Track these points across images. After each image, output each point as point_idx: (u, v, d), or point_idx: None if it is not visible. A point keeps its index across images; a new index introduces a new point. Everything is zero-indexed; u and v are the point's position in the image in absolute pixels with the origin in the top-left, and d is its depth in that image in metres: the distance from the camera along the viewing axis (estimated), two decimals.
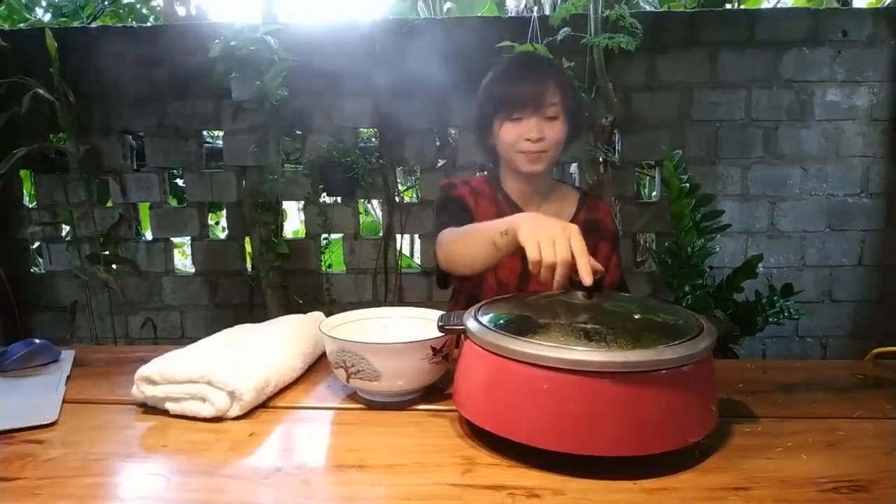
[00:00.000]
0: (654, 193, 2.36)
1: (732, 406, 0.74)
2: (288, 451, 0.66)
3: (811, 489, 0.56)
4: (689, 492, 0.55)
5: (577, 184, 2.15)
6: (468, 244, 0.93)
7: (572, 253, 0.70)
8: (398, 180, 2.33)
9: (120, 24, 2.55)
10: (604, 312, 0.72)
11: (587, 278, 0.68)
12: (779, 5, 2.51)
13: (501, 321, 0.68)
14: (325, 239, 2.30)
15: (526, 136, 1.03)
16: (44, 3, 2.80)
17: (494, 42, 1.92)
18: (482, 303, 0.76)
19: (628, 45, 1.82)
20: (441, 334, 0.74)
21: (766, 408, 0.74)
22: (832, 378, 0.85)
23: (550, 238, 0.71)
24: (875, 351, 0.93)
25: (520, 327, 0.65)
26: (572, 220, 1.12)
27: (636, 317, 0.76)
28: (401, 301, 2.23)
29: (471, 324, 0.67)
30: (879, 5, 2.23)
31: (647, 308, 0.78)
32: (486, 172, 1.21)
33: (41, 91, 1.91)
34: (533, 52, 1.14)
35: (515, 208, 1.13)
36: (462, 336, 0.70)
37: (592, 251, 1.00)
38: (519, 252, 0.78)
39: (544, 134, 1.03)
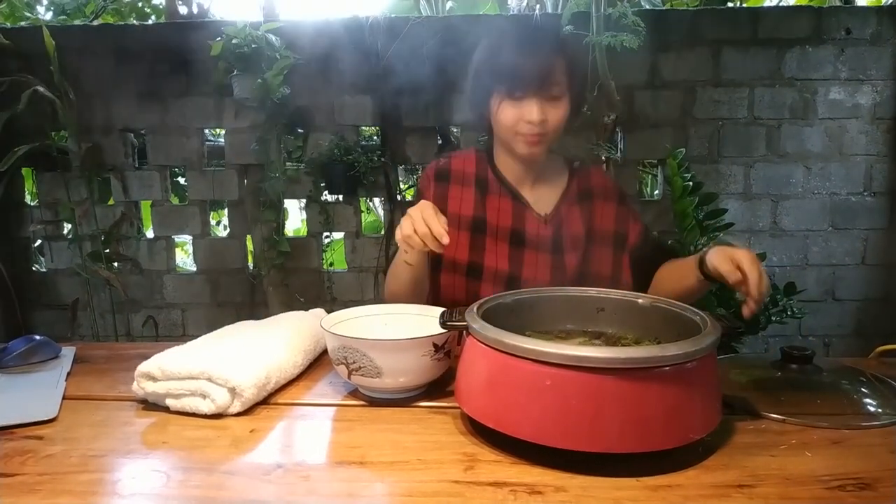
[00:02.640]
0: (656, 192, 2.35)
1: (736, 403, 0.73)
2: (289, 448, 0.66)
3: (816, 487, 0.55)
4: (692, 489, 0.55)
5: None
6: (394, 275, 0.99)
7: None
8: (400, 178, 2.33)
9: (121, 22, 2.55)
10: (610, 310, 0.72)
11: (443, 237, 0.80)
12: (782, 3, 2.50)
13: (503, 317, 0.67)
14: (326, 237, 2.29)
15: (526, 119, 0.93)
16: (45, 2, 2.80)
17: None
18: (484, 299, 0.76)
19: (631, 44, 1.81)
20: (443, 331, 0.73)
21: (771, 405, 0.73)
22: (836, 376, 0.84)
23: (407, 219, 0.83)
24: (879, 348, 0.92)
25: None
26: (565, 193, 1.06)
27: (640, 313, 0.76)
28: None
29: (473, 320, 0.67)
30: (883, 3, 2.22)
31: (652, 304, 0.78)
32: (479, 143, 1.12)
33: (41, 89, 1.91)
34: (537, 20, 1.03)
35: (507, 189, 1.05)
36: (464, 332, 0.70)
37: (597, 216, 1.05)
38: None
39: (546, 116, 0.93)
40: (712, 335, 0.62)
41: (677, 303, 0.76)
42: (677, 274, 0.97)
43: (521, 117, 0.94)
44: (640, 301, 0.79)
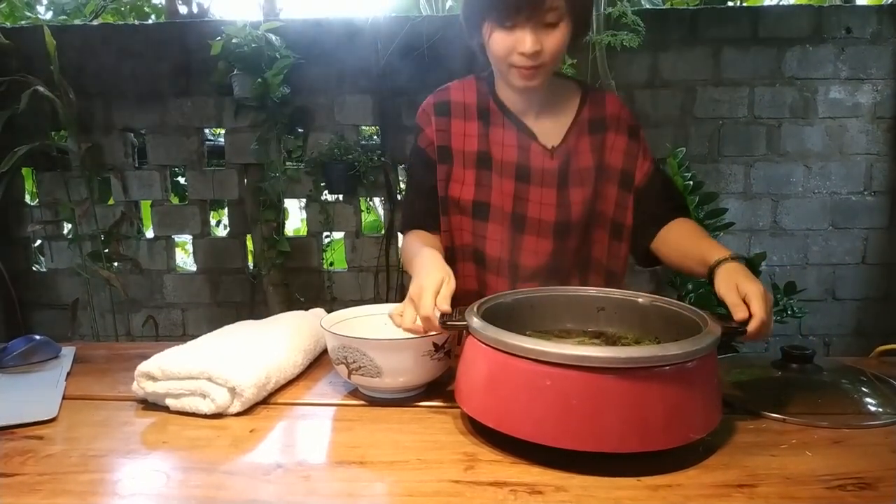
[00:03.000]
0: None
1: (737, 403, 0.73)
2: (289, 448, 0.65)
3: (816, 486, 0.55)
4: (693, 489, 0.55)
5: None
6: (405, 260, 0.97)
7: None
8: (400, 178, 2.32)
9: (121, 22, 2.55)
10: (610, 309, 0.72)
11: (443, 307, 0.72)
12: (782, 2, 2.50)
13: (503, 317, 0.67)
14: (326, 237, 2.29)
15: (519, 49, 0.85)
16: (45, 1, 2.80)
17: None
18: (484, 299, 0.76)
19: (631, 43, 1.82)
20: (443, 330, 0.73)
21: (771, 405, 0.73)
22: (837, 375, 0.84)
23: (415, 297, 0.74)
24: (880, 348, 0.92)
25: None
26: (575, 119, 0.97)
27: (640, 312, 0.76)
28: (402, 299, 2.22)
29: (473, 320, 0.67)
30: (883, 2, 2.22)
31: (652, 303, 0.78)
32: (480, 74, 1.03)
33: (41, 88, 1.91)
34: None
35: (511, 121, 0.96)
36: (464, 332, 0.70)
37: (607, 149, 0.98)
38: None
39: (542, 44, 0.84)
40: (712, 335, 0.62)
41: (677, 302, 0.76)
42: (689, 253, 0.89)
43: (513, 48, 0.85)
44: (639, 300, 0.79)
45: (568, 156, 0.97)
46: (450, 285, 0.75)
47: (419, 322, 0.72)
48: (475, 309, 0.71)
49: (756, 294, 0.69)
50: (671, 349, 0.58)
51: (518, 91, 0.94)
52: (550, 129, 0.97)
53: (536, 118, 0.97)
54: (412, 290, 0.75)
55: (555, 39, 0.85)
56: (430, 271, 0.76)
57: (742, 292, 0.71)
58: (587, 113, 0.98)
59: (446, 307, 0.71)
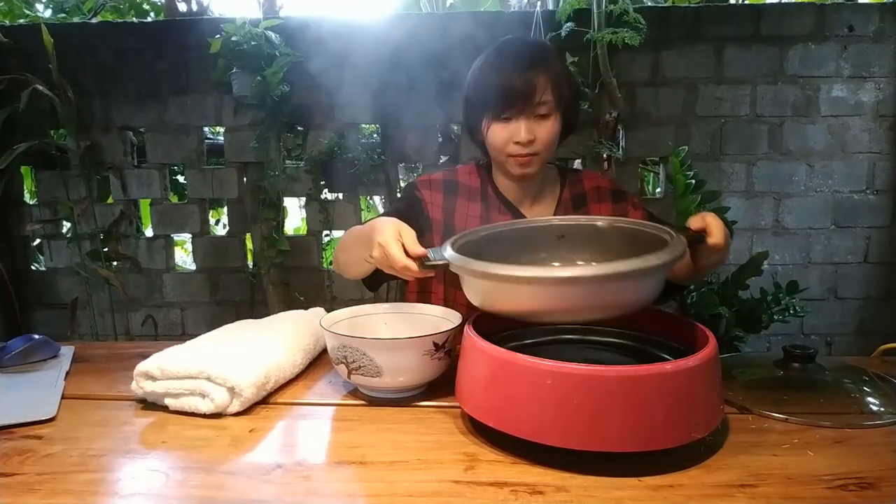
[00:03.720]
0: (658, 190, 2.34)
1: (738, 402, 0.73)
2: (288, 448, 0.65)
3: (818, 486, 0.55)
4: (694, 489, 0.55)
5: None
6: (348, 250, 0.96)
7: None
8: (400, 177, 2.32)
9: (120, 20, 2.54)
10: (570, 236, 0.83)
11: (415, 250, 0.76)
12: (784, 0, 2.49)
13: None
14: (326, 235, 2.29)
15: (515, 139, 0.94)
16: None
17: (497, 37, 1.91)
18: (453, 238, 0.79)
19: (632, 41, 1.81)
20: (442, 330, 0.73)
21: (773, 404, 0.73)
22: (839, 375, 0.84)
23: (380, 256, 0.78)
24: (882, 347, 0.92)
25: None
26: (559, 200, 1.06)
27: (601, 236, 0.83)
28: (402, 298, 2.22)
29: (449, 252, 0.72)
30: (886, 0, 2.21)
31: (611, 225, 0.84)
32: (479, 163, 1.12)
33: (40, 87, 1.90)
34: (520, 39, 1.04)
35: (510, 209, 1.05)
36: (464, 332, 0.69)
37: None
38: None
39: (535, 135, 0.94)
40: (682, 243, 0.67)
41: (636, 220, 0.81)
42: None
43: (510, 138, 0.95)
44: (598, 224, 0.84)
45: None
46: (409, 232, 0.79)
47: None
48: (449, 247, 0.74)
49: (713, 217, 0.80)
50: (651, 260, 0.62)
51: (515, 180, 1.03)
52: (540, 212, 1.07)
53: (530, 205, 1.07)
54: (376, 252, 0.78)
55: (546, 129, 0.95)
56: (381, 228, 0.79)
57: (702, 217, 0.81)
58: (568, 193, 1.08)
59: (419, 250, 0.76)
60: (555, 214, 1.05)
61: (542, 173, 1.06)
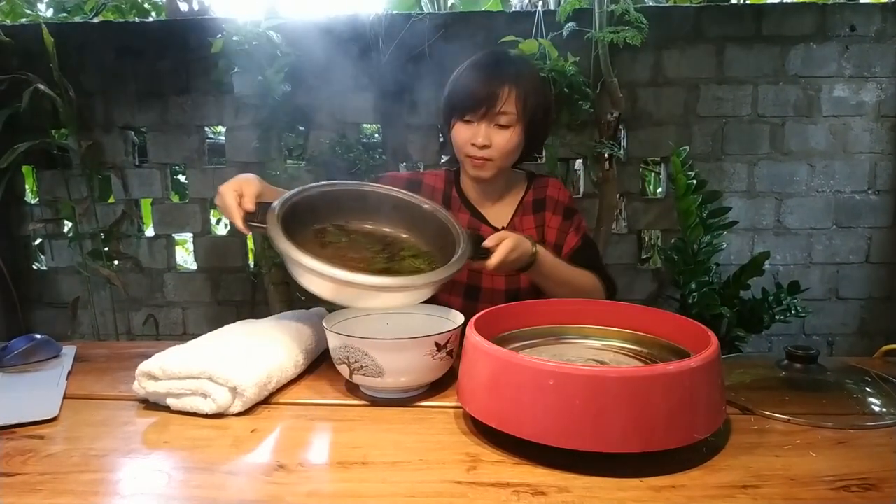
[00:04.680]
0: (659, 190, 2.34)
1: (740, 403, 0.73)
2: (290, 448, 0.65)
3: (820, 487, 0.55)
4: (696, 489, 0.55)
5: (581, 181, 2.14)
6: None
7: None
8: None
9: (122, 19, 2.54)
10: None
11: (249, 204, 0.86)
12: (785, 0, 2.49)
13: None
14: None
15: (472, 141, 1.02)
16: None
17: (498, 37, 1.91)
18: (283, 198, 0.85)
19: (634, 40, 1.81)
20: (445, 330, 0.73)
21: (775, 405, 0.73)
22: (841, 375, 0.84)
23: (221, 193, 0.88)
24: (884, 348, 0.92)
25: None
26: (520, 203, 1.14)
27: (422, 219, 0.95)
28: None
29: (273, 220, 0.78)
30: (887, 0, 2.21)
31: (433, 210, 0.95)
32: (451, 168, 1.21)
33: (42, 87, 1.90)
34: (501, 52, 1.12)
35: (470, 208, 1.14)
36: (464, 332, 0.69)
37: (546, 226, 1.16)
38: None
39: (491, 141, 1.02)
40: (453, 267, 0.79)
41: (457, 222, 0.91)
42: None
43: (469, 139, 1.03)
44: (425, 206, 0.93)
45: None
46: (251, 186, 0.87)
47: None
48: (277, 205, 0.81)
49: (510, 241, 0.89)
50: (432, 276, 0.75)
51: (473, 181, 1.11)
52: (500, 213, 1.15)
53: (491, 205, 1.15)
54: (217, 199, 0.87)
55: (503, 139, 1.02)
56: (232, 179, 0.88)
57: (498, 237, 0.90)
58: (530, 196, 1.15)
59: (248, 206, 0.84)
60: (514, 216, 1.14)
61: (507, 177, 1.15)
